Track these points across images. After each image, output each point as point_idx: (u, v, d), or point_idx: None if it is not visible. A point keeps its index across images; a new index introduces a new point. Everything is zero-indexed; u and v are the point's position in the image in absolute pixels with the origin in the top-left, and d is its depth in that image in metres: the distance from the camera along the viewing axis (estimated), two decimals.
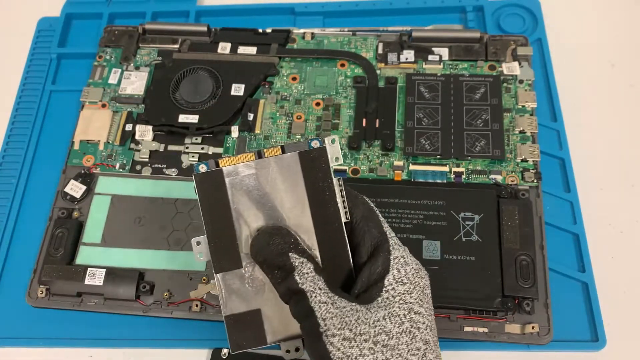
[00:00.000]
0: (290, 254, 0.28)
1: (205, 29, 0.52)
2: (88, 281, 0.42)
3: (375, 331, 0.27)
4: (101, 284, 0.42)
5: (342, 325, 0.27)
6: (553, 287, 0.40)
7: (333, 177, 0.30)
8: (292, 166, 0.30)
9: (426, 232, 0.42)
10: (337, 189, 0.30)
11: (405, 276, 0.29)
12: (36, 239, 0.45)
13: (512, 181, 0.44)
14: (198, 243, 0.30)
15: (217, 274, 0.30)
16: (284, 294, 0.29)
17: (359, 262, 0.30)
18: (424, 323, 0.28)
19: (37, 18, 0.58)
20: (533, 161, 0.45)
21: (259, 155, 0.30)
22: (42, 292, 0.42)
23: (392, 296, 0.28)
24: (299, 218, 0.30)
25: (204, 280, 0.42)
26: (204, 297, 0.41)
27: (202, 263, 0.43)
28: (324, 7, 0.56)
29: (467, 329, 0.40)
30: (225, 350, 0.42)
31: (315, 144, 0.30)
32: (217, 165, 0.30)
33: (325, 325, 0.27)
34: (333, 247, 0.30)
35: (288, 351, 0.31)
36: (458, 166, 0.45)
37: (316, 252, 0.30)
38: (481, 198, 0.43)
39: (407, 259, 0.30)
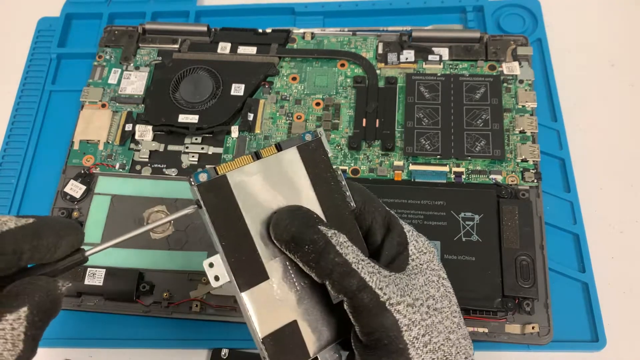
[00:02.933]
0: (319, 227, 0.26)
1: (205, 29, 0.52)
2: (88, 281, 0.42)
3: (424, 296, 0.27)
4: (101, 284, 0.42)
5: (401, 292, 0.26)
6: (553, 287, 0.40)
7: (333, 166, 0.30)
8: (293, 161, 0.29)
9: (426, 232, 0.41)
10: (340, 177, 0.30)
11: (424, 245, 0.29)
12: None
13: (512, 181, 0.44)
14: (211, 265, 0.26)
15: (243, 293, 0.26)
16: (322, 270, 0.26)
17: (374, 243, 0.29)
18: (451, 288, 0.29)
19: (37, 18, 0.58)
20: (533, 161, 0.45)
21: (257, 156, 0.28)
22: None
23: (420, 264, 0.28)
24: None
25: (204, 280, 0.42)
26: (204, 297, 0.41)
27: (202, 263, 0.42)
28: (324, 7, 0.56)
29: (467, 329, 0.39)
30: (225, 350, 0.42)
31: (309, 136, 0.29)
32: (217, 172, 0.27)
33: (385, 294, 0.25)
34: (348, 233, 0.28)
35: None
36: (458, 166, 0.45)
37: None
38: (481, 198, 0.43)
39: (417, 232, 0.30)
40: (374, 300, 0.25)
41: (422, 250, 0.29)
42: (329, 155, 0.30)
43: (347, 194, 0.29)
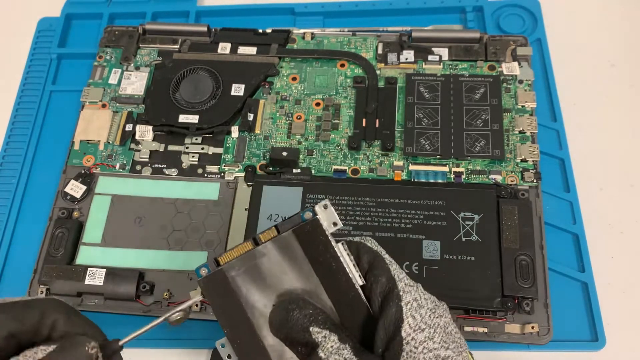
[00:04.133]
0: (311, 328, 0.27)
1: (205, 29, 0.52)
2: (88, 281, 0.42)
3: None
4: (101, 283, 0.42)
5: None
6: (553, 287, 0.40)
7: (334, 244, 0.29)
8: (291, 246, 0.29)
9: (426, 232, 0.42)
10: (344, 255, 0.29)
11: (422, 321, 0.27)
12: (36, 239, 0.45)
13: (511, 181, 0.44)
14: (223, 345, 0.29)
15: None
16: None
17: (375, 315, 0.28)
18: None
19: (37, 18, 0.58)
20: (533, 161, 0.45)
21: (256, 242, 0.29)
22: (43, 292, 0.42)
23: (415, 347, 0.26)
24: (315, 296, 0.29)
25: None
26: (204, 297, 0.41)
27: (202, 262, 0.43)
28: (324, 8, 0.56)
29: (467, 328, 0.40)
30: None
31: (308, 215, 0.29)
32: (218, 263, 0.29)
33: None
34: (355, 316, 0.28)
35: None
36: (458, 166, 0.45)
37: (338, 323, 0.28)
38: (481, 198, 0.43)
39: (421, 300, 0.28)
40: None
41: (419, 327, 0.27)
42: (335, 227, 0.29)
43: (352, 270, 0.29)
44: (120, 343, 0.28)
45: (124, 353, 0.43)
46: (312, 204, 0.30)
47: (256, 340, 0.29)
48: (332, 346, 0.26)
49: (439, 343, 0.27)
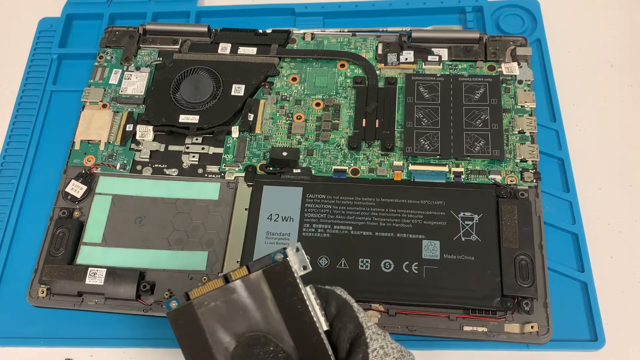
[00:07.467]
0: None
1: (205, 29, 0.52)
2: (89, 281, 0.42)
3: None
4: (102, 283, 0.42)
5: None
6: (552, 287, 0.41)
7: (302, 287, 0.29)
8: (259, 286, 0.29)
9: (426, 232, 0.42)
10: (311, 298, 0.29)
11: None
12: (37, 238, 0.45)
13: (511, 181, 0.44)
14: None
15: None
16: None
17: None
18: None
19: (38, 18, 0.58)
20: (532, 161, 0.45)
21: (226, 280, 0.30)
22: (43, 292, 0.42)
23: None
24: (278, 337, 0.29)
25: (205, 279, 0.42)
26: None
27: (203, 263, 0.43)
28: (324, 8, 0.56)
29: (466, 328, 0.40)
30: None
31: (279, 257, 0.29)
32: (188, 297, 0.30)
33: None
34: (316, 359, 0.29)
35: None
36: (457, 166, 0.45)
37: None
38: (480, 198, 0.43)
39: (387, 348, 0.28)
40: None
41: None
42: (305, 270, 0.29)
43: (318, 314, 0.29)
44: None
45: (125, 353, 0.44)
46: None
47: None
48: None
49: None
